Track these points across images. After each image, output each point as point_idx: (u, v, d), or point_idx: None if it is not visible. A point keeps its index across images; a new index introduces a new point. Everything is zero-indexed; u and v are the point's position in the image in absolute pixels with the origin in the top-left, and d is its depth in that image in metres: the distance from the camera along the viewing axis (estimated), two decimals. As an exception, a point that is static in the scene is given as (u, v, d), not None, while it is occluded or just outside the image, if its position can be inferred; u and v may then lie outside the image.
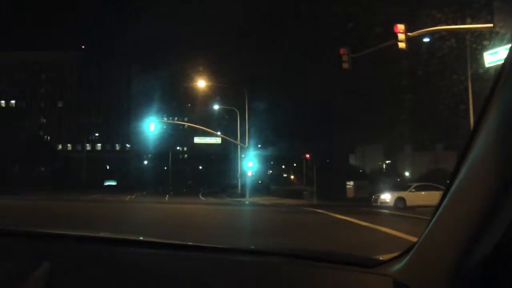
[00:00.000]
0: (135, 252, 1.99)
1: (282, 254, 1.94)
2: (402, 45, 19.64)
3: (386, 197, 29.28)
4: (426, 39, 23.66)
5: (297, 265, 1.82)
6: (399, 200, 28.19)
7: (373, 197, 31.30)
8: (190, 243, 2.12)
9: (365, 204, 31.63)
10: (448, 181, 1.26)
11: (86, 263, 1.84)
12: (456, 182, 1.19)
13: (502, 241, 1.03)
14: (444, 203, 1.25)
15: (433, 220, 1.29)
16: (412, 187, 29.89)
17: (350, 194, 46.59)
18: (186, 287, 1.69)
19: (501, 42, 18.74)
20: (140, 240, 2.23)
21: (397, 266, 1.52)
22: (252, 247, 2.19)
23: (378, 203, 29.28)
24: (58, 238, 2.18)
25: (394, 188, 33.33)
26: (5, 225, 2.27)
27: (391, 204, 28.07)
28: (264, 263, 1.87)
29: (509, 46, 1.12)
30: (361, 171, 65.61)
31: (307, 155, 46.81)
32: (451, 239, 1.18)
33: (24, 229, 2.25)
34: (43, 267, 1.71)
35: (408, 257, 1.45)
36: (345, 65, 21.85)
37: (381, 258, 1.73)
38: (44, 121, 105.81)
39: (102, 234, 2.31)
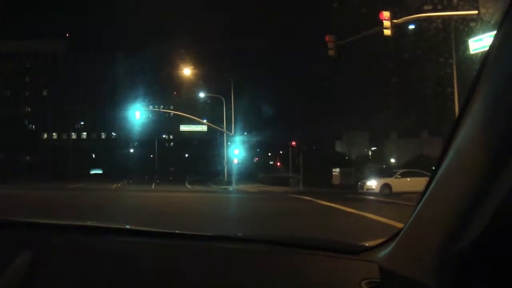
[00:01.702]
0: (120, 241, 1.99)
1: (268, 242, 1.96)
2: (387, 32, 19.65)
3: (372, 183, 29.44)
4: (411, 26, 23.72)
5: (283, 253, 1.85)
6: (385, 186, 28.39)
7: (359, 183, 31.51)
8: (176, 231, 2.13)
9: (352, 190, 31.86)
10: (434, 167, 1.25)
11: (70, 252, 1.83)
12: (442, 167, 1.19)
13: (489, 227, 1.02)
14: (430, 188, 1.23)
15: (419, 206, 1.28)
16: (398, 173, 30.08)
17: (336, 181, 46.58)
18: (173, 275, 1.69)
19: (486, 29, 18.82)
20: (125, 228, 2.21)
21: (383, 252, 1.53)
22: (239, 234, 2.20)
23: (364, 190, 29.52)
24: (41, 227, 2.17)
25: (380, 174, 33.49)
26: None
27: (377, 190, 28.27)
28: (250, 251, 1.90)
29: (493, 33, 1.10)
30: (347, 158, 65.79)
31: (294, 142, 46.80)
32: (437, 225, 1.17)
33: (4, 217, 2.20)
34: (23, 257, 1.67)
35: (394, 243, 1.45)
36: (331, 52, 21.85)
37: (367, 245, 1.75)
38: (29, 110, 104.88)
39: (86, 223, 2.27)
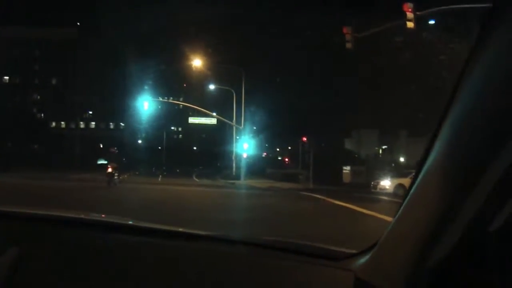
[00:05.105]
0: (109, 237, 1.93)
1: (244, 243, 1.92)
2: (410, 24, 18.80)
3: (386, 183, 28.73)
4: (432, 22, 22.92)
5: (260, 256, 1.82)
6: (399, 187, 27.33)
7: (372, 183, 30.81)
8: (156, 227, 2.08)
9: (363, 189, 31.06)
10: (413, 175, 1.21)
11: (57, 248, 1.80)
12: (417, 181, 1.17)
13: (459, 244, 1.03)
14: (404, 202, 1.22)
15: (394, 219, 1.26)
16: (412, 173, 29.13)
17: (346, 179, 45.97)
18: (149, 273, 1.70)
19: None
20: (115, 223, 2.18)
21: (361, 261, 1.48)
22: (216, 233, 2.05)
23: (377, 190, 28.72)
24: (31, 219, 2.09)
25: (391, 173, 32.79)
26: None
27: (391, 191, 27.39)
28: (222, 253, 1.84)
29: None
30: (356, 156, 65.17)
31: (304, 138, 46.17)
32: (409, 240, 1.16)
33: None
34: (10, 252, 1.68)
35: (372, 252, 1.42)
36: (348, 45, 21.08)
37: (348, 251, 1.68)
38: (38, 98, 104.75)
39: (81, 216, 2.22)
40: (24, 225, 1.97)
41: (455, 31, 24.08)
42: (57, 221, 2.08)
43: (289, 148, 75.23)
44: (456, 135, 1.04)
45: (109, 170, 26.97)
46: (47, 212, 2.16)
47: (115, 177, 27.19)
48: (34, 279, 1.64)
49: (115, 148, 32.32)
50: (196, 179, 47.59)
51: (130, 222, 2.19)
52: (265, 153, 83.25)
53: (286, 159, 76.41)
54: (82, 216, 2.22)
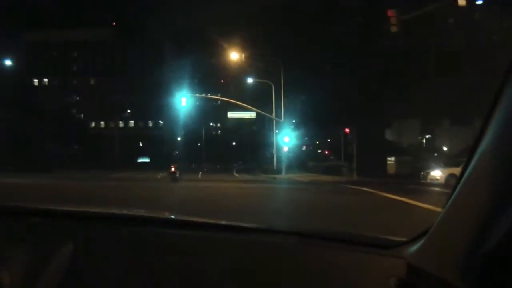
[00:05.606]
0: (165, 233, 1.96)
1: (297, 234, 1.92)
2: (462, 1, 17.55)
3: (437, 173, 27.27)
4: (479, 1, 21.62)
5: (311, 245, 1.83)
6: (451, 176, 25.83)
7: (422, 173, 29.37)
8: (205, 221, 2.09)
9: (411, 180, 29.86)
10: (464, 164, 1.22)
11: (111, 243, 1.84)
12: (471, 165, 1.17)
13: None
14: (459, 186, 1.21)
15: (448, 203, 1.26)
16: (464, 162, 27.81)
17: (391, 170, 44.61)
18: (201, 266, 1.70)
19: None
20: (166, 218, 2.26)
21: (413, 248, 1.49)
22: (266, 226, 2.07)
23: (428, 180, 27.35)
24: (82, 216, 2.14)
25: (440, 163, 31.40)
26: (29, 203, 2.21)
27: (442, 181, 25.98)
28: (276, 243, 1.86)
29: None
30: (399, 146, 63.75)
31: (347, 130, 45.07)
32: (465, 224, 1.16)
33: (47, 207, 2.17)
34: (65, 248, 1.72)
35: (423, 239, 1.43)
36: (394, 29, 19.95)
37: (398, 239, 1.70)
38: (77, 98, 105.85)
39: (131, 213, 2.29)
40: (77, 222, 1.99)
41: (506, 12, 22.64)
42: (111, 218, 2.13)
43: (329, 140, 74.12)
44: (508, 124, 1.05)
45: (172, 169, 31.06)
46: (101, 210, 2.21)
47: (177, 175, 30.88)
48: (88, 274, 1.66)
49: (176, 151, 38.18)
50: (237, 175, 47.07)
51: (175, 217, 2.21)
52: (304, 146, 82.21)
53: (326, 152, 75.30)
54: (135, 213, 2.29)
